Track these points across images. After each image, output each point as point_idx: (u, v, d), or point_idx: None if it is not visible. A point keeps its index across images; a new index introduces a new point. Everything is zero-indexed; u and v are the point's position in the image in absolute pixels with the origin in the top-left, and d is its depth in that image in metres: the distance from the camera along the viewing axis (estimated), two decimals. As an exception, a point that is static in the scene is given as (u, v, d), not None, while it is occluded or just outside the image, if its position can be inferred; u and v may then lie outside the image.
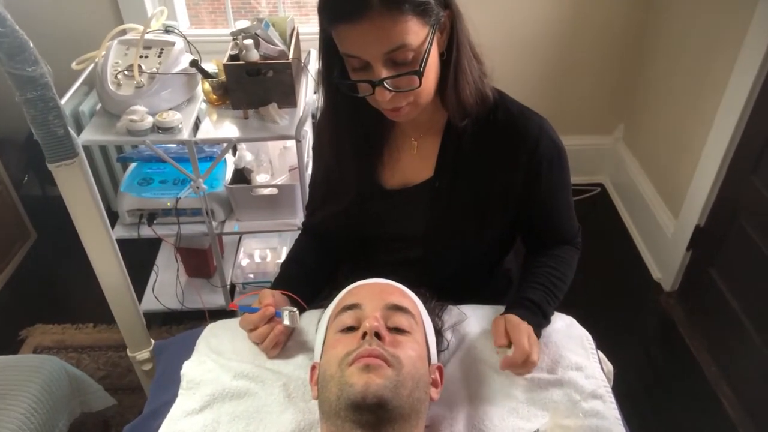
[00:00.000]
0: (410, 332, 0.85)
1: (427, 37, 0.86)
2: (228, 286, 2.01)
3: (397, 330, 0.85)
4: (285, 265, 1.17)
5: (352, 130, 1.02)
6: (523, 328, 0.95)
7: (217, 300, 2.02)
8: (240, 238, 2.24)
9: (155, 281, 2.05)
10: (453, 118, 0.99)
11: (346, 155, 1.05)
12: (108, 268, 1.30)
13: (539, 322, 1.01)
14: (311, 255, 1.17)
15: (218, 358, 1.02)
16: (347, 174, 1.06)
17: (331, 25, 0.86)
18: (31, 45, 0.92)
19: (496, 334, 0.98)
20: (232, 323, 1.08)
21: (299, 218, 1.83)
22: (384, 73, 0.86)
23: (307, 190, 1.60)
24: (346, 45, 0.86)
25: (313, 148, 1.18)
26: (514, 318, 0.98)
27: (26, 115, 0.98)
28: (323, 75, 0.97)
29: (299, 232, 1.26)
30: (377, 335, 0.80)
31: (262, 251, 2.17)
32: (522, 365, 0.93)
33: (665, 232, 2.18)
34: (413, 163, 1.06)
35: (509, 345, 0.95)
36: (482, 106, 0.98)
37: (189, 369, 1.00)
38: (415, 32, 0.84)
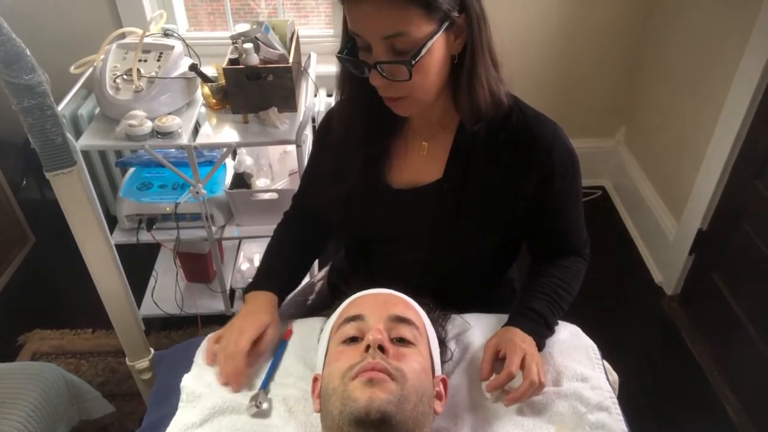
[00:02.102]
0: (414, 344, 0.84)
1: (431, 33, 0.85)
2: (228, 291, 2.00)
3: (401, 341, 0.84)
4: (268, 257, 1.18)
5: (365, 121, 1.01)
6: (518, 349, 0.92)
7: (217, 305, 2.01)
8: (240, 243, 2.23)
9: (154, 286, 2.03)
10: (466, 121, 0.97)
11: (357, 145, 1.03)
12: (106, 276, 1.29)
13: (542, 332, 1.00)
14: (294, 245, 1.20)
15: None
16: (354, 163, 1.04)
17: (344, 1, 0.86)
18: (29, 53, 0.91)
19: (482, 362, 0.95)
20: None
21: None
22: (381, 57, 0.86)
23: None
24: (351, 22, 0.87)
25: (318, 137, 1.16)
26: (512, 334, 0.96)
27: (23, 123, 0.97)
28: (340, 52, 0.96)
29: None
30: (381, 348, 0.79)
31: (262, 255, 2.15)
32: (521, 388, 0.89)
33: (667, 235, 2.17)
34: (422, 164, 1.04)
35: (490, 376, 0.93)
36: (497, 110, 0.97)
37: (189, 382, 0.98)
38: (418, 24, 0.83)
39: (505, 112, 0.98)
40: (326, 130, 1.12)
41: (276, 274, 1.14)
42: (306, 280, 1.47)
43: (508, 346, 0.94)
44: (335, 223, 1.13)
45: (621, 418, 0.92)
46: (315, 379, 0.88)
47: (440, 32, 0.85)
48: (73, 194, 1.11)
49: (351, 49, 0.92)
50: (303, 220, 1.22)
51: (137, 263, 1.99)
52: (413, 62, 0.85)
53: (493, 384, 0.91)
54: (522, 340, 0.95)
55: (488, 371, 0.94)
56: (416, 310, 0.91)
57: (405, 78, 0.86)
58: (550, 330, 1.02)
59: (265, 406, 0.92)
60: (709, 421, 1.76)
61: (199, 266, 2.05)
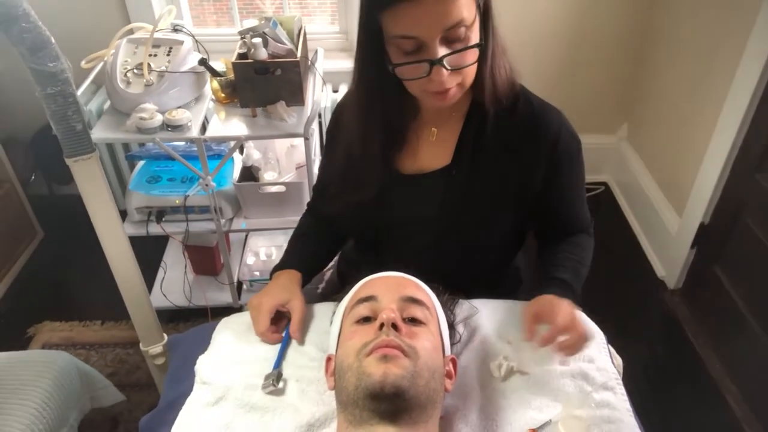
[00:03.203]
0: (425, 324, 0.87)
1: (476, 15, 0.88)
2: (235, 284, 2.02)
3: (413, 321, 0.86)
4: (292, 242, 1.22)
5: (380, 117, 1.02)
6: (556, 309, 0.93)
7: (225, 297, 2.03)
8: (246, 236, 2.25)
9: (163, 278, 2.06)
10: (487, 102, 0.99)
11: (372, 142, 1.03)
12: (123, 262, 1.31)
13: (572, 299, 0.99)
14: (319, 235, 1.22)
15: (233, 352, 1.03)
16: (370, 161, 1.05)
17: (388, 7, 0.85)
18: (53, 41, 0.93)
19: (524, 324, 0.96)
20: (246, 317, 1.09)
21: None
22: (441, 51, 0.86)
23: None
24: (404, 26, 0.86)
25: (329, 132, 1.17)
26: (549, 299, 0.97)
27: (46, 110, 0.99)
28: (358, 59, 0.97)
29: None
30: (394, 326, 0.82)
31: (268, 249, 2.18)
32: (568, 343, 0.91)
33: (669, 230, 2.19)
34: (431, 150, 1.06)
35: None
36: (511, 90, 1.00)
37: (204, 363, 1.01)
38: (468, 8, 0.86)
39: (512, 100, 1.01)
40: (336, 126, 1.14)
41: (298, 254, 1.18)
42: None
43: (550, 307, 0.95)
44: (347, 214, 1.14)
45: (625, 397, 0.94)
46: (329, 359, 0.91)
47: (480, 13, 0.89)
48: (93, 180, 1.14)
49: (377, 60, 0.92)
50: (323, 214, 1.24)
51: (146, 256, 2.00)
52: (483, 43, 0.88)
53: (546, 337, 0.92)
54: (560, 302, 0.96)
55: (531, 332, 0.95)
56: (426, 292, 0.94)
57: (472, 62, 0.89)
58: (576, 298, 1.02)
59: (280, 384, 0.95)
60: (711, 412, 1.78)
61: (206, 259, 2.08)
